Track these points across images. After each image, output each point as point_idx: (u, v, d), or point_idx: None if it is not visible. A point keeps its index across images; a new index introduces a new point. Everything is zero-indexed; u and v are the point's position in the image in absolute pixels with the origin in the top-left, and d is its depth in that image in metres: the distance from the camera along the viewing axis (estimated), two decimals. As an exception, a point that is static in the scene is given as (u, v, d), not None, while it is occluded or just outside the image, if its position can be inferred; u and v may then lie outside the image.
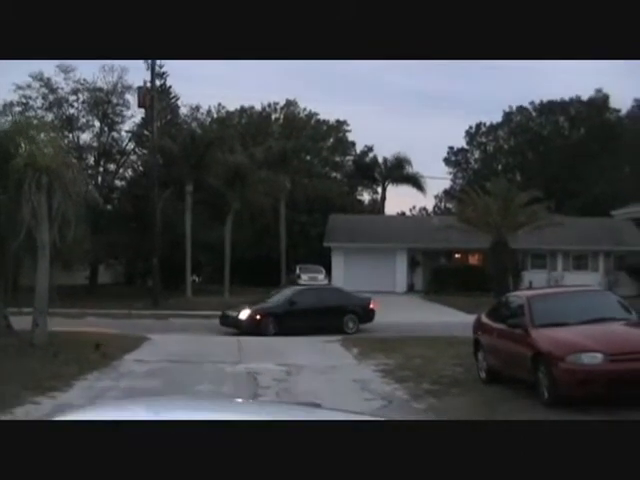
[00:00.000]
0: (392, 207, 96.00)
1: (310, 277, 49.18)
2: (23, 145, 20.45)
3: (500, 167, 72.83)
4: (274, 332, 26.03)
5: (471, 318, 18.04)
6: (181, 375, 16.10)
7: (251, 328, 26.11)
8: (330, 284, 49.49)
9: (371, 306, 29.12)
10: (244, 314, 26.92)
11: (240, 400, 9.91)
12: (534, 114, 73.61)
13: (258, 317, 26.73)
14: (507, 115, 74.23)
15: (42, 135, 21.79)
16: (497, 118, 75.29)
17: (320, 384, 15.11)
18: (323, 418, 4.52)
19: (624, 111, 71.44)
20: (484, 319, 16.30)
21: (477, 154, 77.64)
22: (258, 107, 66.79)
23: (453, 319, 29.52)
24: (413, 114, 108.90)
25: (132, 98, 45.86)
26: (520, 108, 73.55)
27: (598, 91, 69.74)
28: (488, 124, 75.98)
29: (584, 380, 11.87)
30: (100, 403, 10.27)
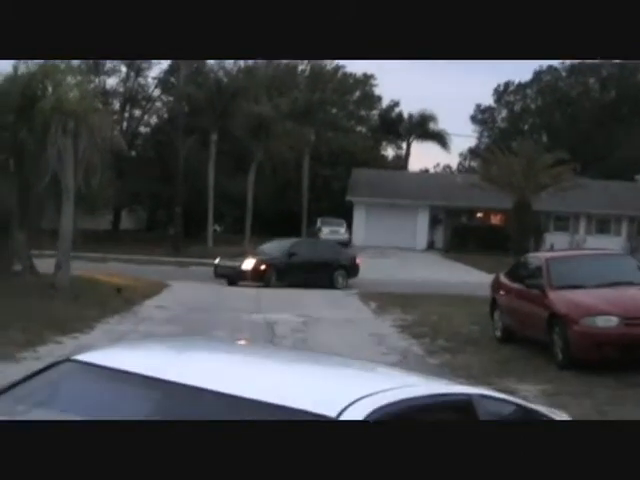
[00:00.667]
0: (416, 163, 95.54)
1: (331, 230, 49.28)
2: (50, 88, 20.56)
3: (527, 127, 72.36)
4: (275, 284, 26.06)
5: (490, 277, 18.12)
6: (199, 322, 16.31)
7: (255, 278, 26.14)
8: (349, 237, 49.73)
9: (357, 261, 29.61)
10: (248, 264, 26.70)
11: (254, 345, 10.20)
12: (564, 74, 72.87)
13: (263, 267, 26.59)
14: (537, 74, 73.47)
15: (69, 78, 21.88)
16: (527, 77, 74.79)
17: (336, 337, 15.24)
18: (335, 364, 4.75)
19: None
20: (502, 279, 16.33)
21: (504, 113, 77.03)
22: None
23: (472, 278, 29.60)
24: (441, 70, 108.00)
25: (160, 45, 45.88)
26: (550, 68, 72.77)
27: (629, 53, 68.80)
28: (517, 83, 75.41)
29: (598, 343, 11.90)
30: (121, 342, 10.48)
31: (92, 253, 29.65)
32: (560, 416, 4.68)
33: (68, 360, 3.67)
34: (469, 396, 3.69)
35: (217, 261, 28.14)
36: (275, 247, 29.12)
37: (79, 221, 22.23)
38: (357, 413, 2.99)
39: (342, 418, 2.95)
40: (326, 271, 27.73)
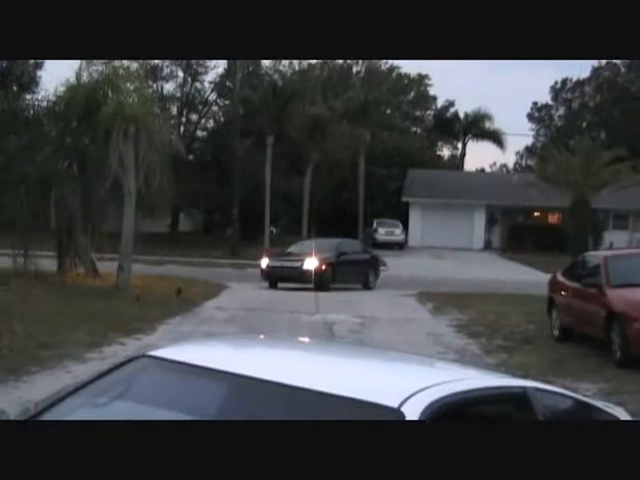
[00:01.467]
0: (472, 163, 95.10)
1: (387, 232, 49.31)
2: (111, 95, 20.94)
3: (584, 125, 71.44)
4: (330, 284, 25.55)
5: (547, 277, 18.01)
6: (259, 322, 16.48)
7: (317, 279, 25.26)
8: (405, 238, 49.65)
9: (379, 261, 29.64)
10: (311, 264, 25.68)
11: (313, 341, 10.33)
12: (623, 70, 71.87)
13: (324, 267, 25.73)
14: (595, 70, 72.59)
15: (128, 85, 22.27)
16: (585, 74, 73.83)
17: (394, 336, 15.28)
18: (395, 359, 4.89)
19: None
20: (560, 277, 16.29)
21: (561, 111, 76.16)
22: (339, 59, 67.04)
23: (529, 277, 29.37)
24: (496, 69, 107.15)
25: (216, 49, 46.38)
26: (609, 64, 71.84)
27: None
28: (575, 80, 74.56)
29: None
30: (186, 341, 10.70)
31: (151, 256, 29.98)
32: (617, 411, 4.69)
33: (144, 356, 3.80)
34: (524, 388, 3.73)
35: (265, 262, 27.04)
36: (307, 247, 28.29)
37: (138, 224, 22.53)
38: (418, 404, 3.04)
39: (403, 409, 2.99)
40: (362, 270, 27.63)
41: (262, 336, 7.50)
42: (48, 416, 3.46)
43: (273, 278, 26.39)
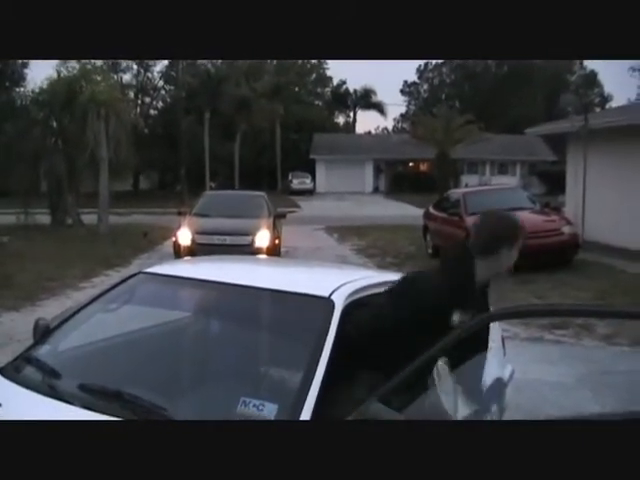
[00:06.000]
0: (361, 127, 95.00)
1: (300, 182, 49.36)
2: (85, 85, 20.55)
3: (443, 96, 72.16)
4: None
5: (421, 211, 18.24)
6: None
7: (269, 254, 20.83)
8: (314, 186, 49.75)
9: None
10: (263, 239, 15.78)
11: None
12: (470, 54, 72.73)
13: (277, 241, 15.96)
14: (449, 55, 73.43)
15: (97, 77, 21.84)
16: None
17: (312, 258, 15.27)
18: (320, 267, 5.16)
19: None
20: (431, 210, 16.65)
21: (425, 86, 76.81)
22: (257, 51, 65.64)
23: (408, 212, 29.56)
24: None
25: (161, 45, 45.48)
26: (459, 50, 72.71)
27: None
28: (434, 63, 75.14)
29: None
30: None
31: (119, 209, 29.54)
32: None
33: (140, 273, 3.79)
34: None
35: (187, 236, 14.67)
36: (232, 209, 17.57)
37: (109, 184, 22.23)
38: (342, 293, 3.08)
39: (332, 297, 3.02)
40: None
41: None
42: (74, 320, 3.52)
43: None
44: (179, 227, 14.47)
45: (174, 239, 14.42)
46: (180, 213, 15.88)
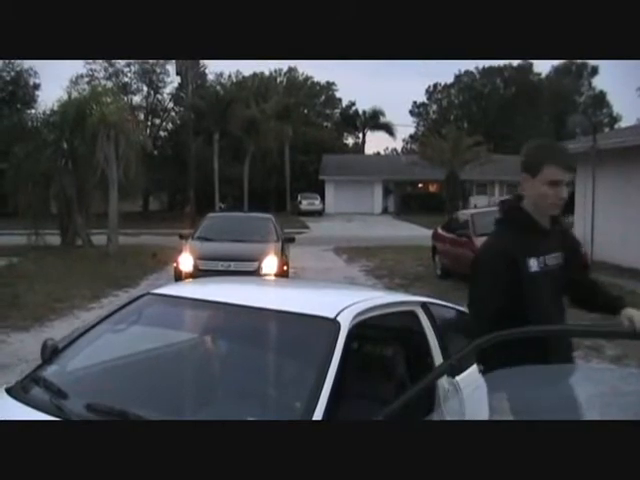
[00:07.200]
0: (370, 148, 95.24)
1: (309, 203, 49.34)
2: (95, 107, 20.73)
3: (452, 117, 72.38)
4: None
5: (430, 231, 18.15)
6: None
7: None
8: (323, 207, 49.75)
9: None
10: (270, 265, 12.95)
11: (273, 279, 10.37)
12: (478, 76, 72.97)
13: (285, 268, 15.33)
14: (457, 77, 73.64)
15: (107, 99, 22.02)
16: (449, 79, 74.91)
17: (320, 279, 15.34)
18: (327, 287, 5.16)
19: (544, 75, 71.43)
20: (439, 231, 16.59)
21: (434, 107, 77.10)
22: (266, 73, 66.57)
23: (417, 233, 29.49)
24: (386, 76, 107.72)
25: (171, 68, 45.91)
26: (467, 72, 73.02)
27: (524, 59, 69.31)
28: (443, 84, 75.53)
29: None
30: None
31: (129, 230, 29.59)
32: None
33: (148, 294, 3.83)
34: (421, 301, 3.96)
35: (189, 262, 13.45)
36: (239, 233, 15.18)
37: (119, 205, 22.35)
38: (348, 315, 3.11)
39: (338, 319, 3.05)
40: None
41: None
42: (82, 340, 3.55)
43: None
44: (180, 252, 13.36)
45: (175, 265, 13.27)
46: (182, 237, 14.69)
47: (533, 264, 2.99)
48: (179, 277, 12.49)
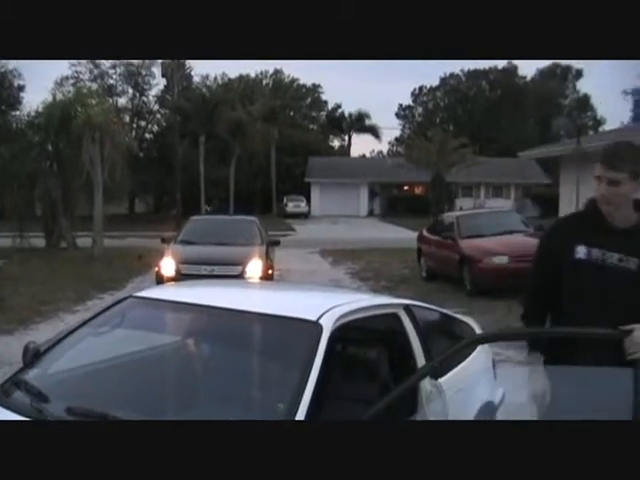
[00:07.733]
0: (356, 151, 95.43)
1: (294, 205, 49.32)
2: (80, 109, 20.66)
3: (437, 120, 72.61)
4: None
5: (416, 234, 18.15)
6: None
7: None
8: (309, 209, 49.70)
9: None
10: (255, 268, 12.86)
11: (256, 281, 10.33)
12: (463, 79, 73.29)
13: (270, 271, 14.94)
14: (443, 80, 73.91)
15: (92, 101, 21.95)
16: (435, 82, 75.15)
17: (305, 282, 15.13)
18: (311, 289, 5.16)
19: (529, 77, 71.83)
20: (425, 233, 16.61)
21: (420, 110, 77.33)
22: (252, 75, 66.54)
23: (402, 235, 29.41)
24: (372, 78, 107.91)
25: (157, 70, 45.85)
26: (452, 74, 73.30)
27: (509, 62, 69.55)
28: (428, 87, 75.76)
29: (495, 275, 12.35)
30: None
31: (115, 232, 29.47)
32: (469, 320, 4.94)
33: (130, 297, 3.81)
34: (403, 303, 3.92)
35: (171, 267, 12.89)
36: (220, 235, 14.89)
37: (104, 207, 22.28)
38: (330, 317, 3.10)
39: (320, 321, 3.04)
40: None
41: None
42: (64, 344, 3.54)
43: None
44: (162, 256, 13.06)
45: (157, 269, 12.98)
46: (164, 240, 14.27)
47: (581, 251, 2.95)
48: (161, 282, 12.13)
